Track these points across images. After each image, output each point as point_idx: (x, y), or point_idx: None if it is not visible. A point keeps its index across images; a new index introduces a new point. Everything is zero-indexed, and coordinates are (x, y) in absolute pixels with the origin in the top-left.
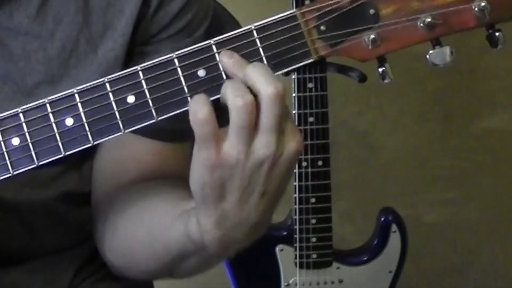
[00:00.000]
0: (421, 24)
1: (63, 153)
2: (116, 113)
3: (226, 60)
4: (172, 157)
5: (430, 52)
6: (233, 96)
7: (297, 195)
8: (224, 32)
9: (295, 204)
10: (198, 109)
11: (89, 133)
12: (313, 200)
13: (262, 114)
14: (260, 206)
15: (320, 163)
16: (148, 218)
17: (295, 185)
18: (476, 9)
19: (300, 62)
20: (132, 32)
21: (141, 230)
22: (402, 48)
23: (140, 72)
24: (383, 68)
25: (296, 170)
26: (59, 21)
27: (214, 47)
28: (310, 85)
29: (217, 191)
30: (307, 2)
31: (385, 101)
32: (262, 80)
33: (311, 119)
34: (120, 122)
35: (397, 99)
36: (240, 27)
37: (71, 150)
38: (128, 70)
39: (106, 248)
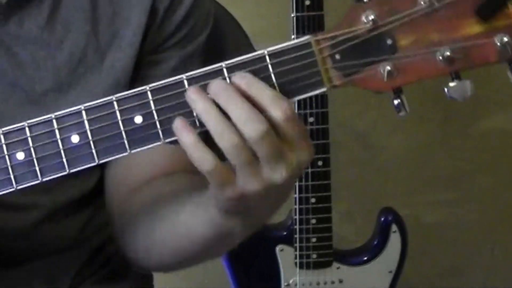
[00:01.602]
0: (440, 57)
1: (67, 170)
2: (123, 132)
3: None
4: (183, 156)
5: (450, 85)
6: (218, 138)
7: (297, 195)
8: (224, 40)
9: (295, 204)
10: (203, 161)
11: (94, 152)
12: (313, 200)
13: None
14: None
15: (320, 163)
16: (167, 214)
17: (295, 185)
18: (498, 43)
19: (312, 91)
20: (141, 42)
21: (161, 227)
22: (418, 81)
23: (149, 92)
24: (399, 100)
25: None
26: (68, 30)
27: (225, 70)
28: None
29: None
30: (320, 33)
31: (385, 101)
32: (269, 103)
33: (311, 119)
34: (126, 142)
35: None
36: (241, 29)
37: (75, 167)
38: (137, 89)
39: (128, 249)
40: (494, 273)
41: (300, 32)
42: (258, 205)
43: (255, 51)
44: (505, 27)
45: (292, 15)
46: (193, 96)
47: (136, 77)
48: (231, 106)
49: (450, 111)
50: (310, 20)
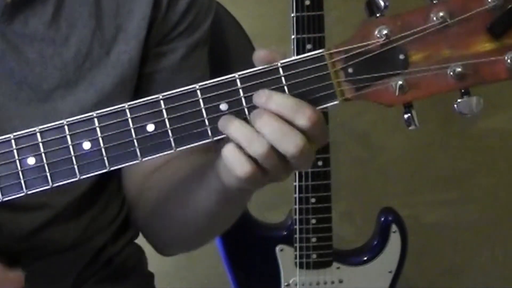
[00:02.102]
0: (451, 73)
1: (78, 176)
2: (135, 140)
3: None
4: None
5: (458, 101)
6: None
7: (297, 195)
8: (223, 35)
9: (295, 204)
10: (237, 167)
11: (105, 159)
12: (313, 200)
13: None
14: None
15: (320, 163)
16: (180, 193)
17: (295, 185)
18: (509, 61)
19: (325, 104)
20: (146, 35)
21: (175, 205)
22: (429, 96)
23: (162, 101)
24: (409, 114)
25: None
26: (73, 26)
27: (238, 81)
28: None
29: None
30: (326, 48)
31: None
32: (292, 114)
33: None
34: (138, 150)
35: None
36: (241, 28)
37: (86, 174)
38: (150, 98)
39: (149, 232)
40: (494, 273)
41: (300, 32)
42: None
43: (254, 50)
44: None
45: (292, 15)
46: (228, 122)
47: (144, 70)
48: (264, 128)
49: (450, 111)
50: (310, 20)
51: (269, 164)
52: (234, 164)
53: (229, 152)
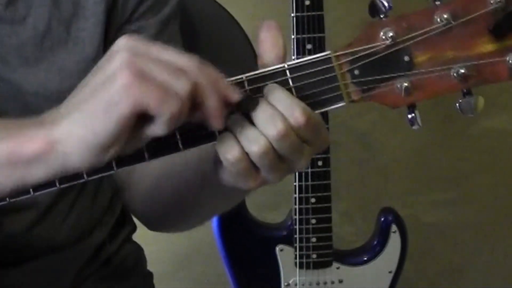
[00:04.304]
0: (455, 74)
1: (85, 178)
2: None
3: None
4: None
5: (460, 101)
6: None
7: (297, 195)
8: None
9: (295, 204)
10: (227, 151)
11: (113, 161)
12: (313, 200)
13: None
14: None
15: (320, 163)
16: (175, 172)
17: (295, 185)
18: (510, 61)
19: (331, 105)
20: (109, 11)
21: (170, 185)
22: (433, 97)
23: None
24: (413, 114)
25: None
26: (30, 5)
27: (246, 83)
28: None
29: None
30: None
31: None
32: (283, 111)
33: None
34: (145, 151)
35: None
36: (240, 28)
37: (94, 175)
38: None
39: (142, 212)
40: (494, 273)
41: (300, 32)
42: None
43: (254, 51)
44: None
45: (292, 15)
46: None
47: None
48: (256, 113)
49: (450, 111)
50: (310, 20)
51: (263, 162)
52: (225, 148)
53: (221, 138)
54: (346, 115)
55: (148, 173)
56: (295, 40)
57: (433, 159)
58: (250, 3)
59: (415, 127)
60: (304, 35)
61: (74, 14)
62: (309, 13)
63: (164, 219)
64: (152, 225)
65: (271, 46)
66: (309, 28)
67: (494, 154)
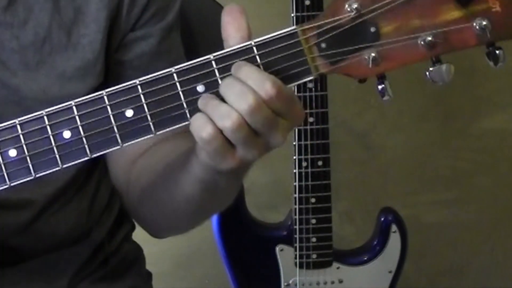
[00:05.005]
0: (422, 42)
1: (60, 165)
2: (114, 127)
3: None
4: None
5: (430, 69)
6: (217, 121)
7: (297, 195)
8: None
9: (295, 204)
10: (201, 129)
11: (87, 146)
12: (313, 200)
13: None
14: None
15: (320, 163)
16: (163, 178)
17: (295, 185)
18: (477, 27)
19: (300, 80)
20: (112, 19)
21: (159, 191)
22: (402, 66)
23: (139, 86)
24: (383, 85)
25: (296, 170)
26: (30, 10)
27: (213, 62)
28: (310, 85)
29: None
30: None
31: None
32: (254, 86)
33: (311, 119)
34: (118, 136)
35: (397, 99)
36: None
37: (68, 162)
38: (127, 84)
39: (138, 216)
40: (494, 273)
41: None
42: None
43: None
44: (483, 11)
45: (292, 15)
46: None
47: (123, 57)
48: (225, 90)
49: (450, 111)
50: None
51: (237, 138)
52: (198, 126)
53: (194, 117)
54: (346, 115)
55: (144, 173)
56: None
57: (433, 159)
58: (250, 3)
59: (385, 98)
60: None
61: (75, 20)
62: (309, 13)
63: (160, 221)
64: (153, 229)
65: (235, 29)
66: None
67: (494, 154)
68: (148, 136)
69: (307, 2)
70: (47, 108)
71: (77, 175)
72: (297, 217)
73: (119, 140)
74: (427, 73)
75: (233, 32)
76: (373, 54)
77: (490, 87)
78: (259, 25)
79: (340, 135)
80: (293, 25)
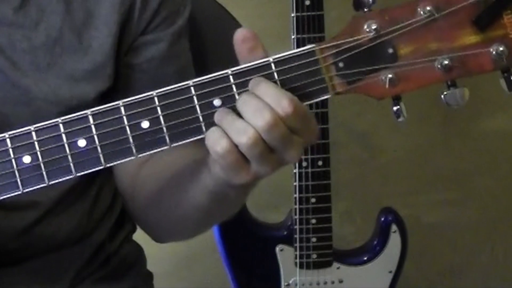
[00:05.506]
0: (439, 66)
1: (74, 173)
2: (130, 137)
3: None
4: None
5: (445, 92)
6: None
7: (297, 195)
8: (224, 35)
9: (295, 204)
10: (216, 143)
11: (101, 156)
12: (313, 200)
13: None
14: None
15: (320, 163)
16: (170, 185)
17: (295, 185)
18: (494, 53)
19: (317, 98)
20: (124, 23)
21: (166, 197)
22: (418, 89)
23: (156, 98)
24: (398, 107)
25: (296, 170)
26: (42, 11)
27: (231, 77)
28: None
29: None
30: (325, 40)
31: (385, 102)
32: (271, 102)
33: None
34: (133, 147)
35: None
36: (240, 27)
37: (82, 171)
38: (144, 95)
39: (144, 222)
40: (494, 273)
41: (300, 32)
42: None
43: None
44: (500, 37)
45: (292, 15)
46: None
47: (133, 61)
48: (243, 106)
49: (450, 111)
50: (310, 20)
51: (252, 154)
52: (213, 140)
53: (210, 131)
54: (346, 115)
55: (150, 178)
56: (295, 40)
57: (433, 159)
58: (251, 3)
59: (400, 119)
60: (304, 35)
61: (86, 23)
62: (309, 13)
63: (165, 226)
64: (156, 234)
65: (252, 56)
66: (309, 28)
67: (494, 154)
68: (163, 148)
69: (307, 2)
70: (56, 109)
71: (82, 179)
72: (297, 217)
73: (134, 151)
74: (442, 96)
75: (249, 57)
76: (390, 75)
77: (490, 87)
78: (259, 25)
79: (340, 135)
80: (293, 25)
